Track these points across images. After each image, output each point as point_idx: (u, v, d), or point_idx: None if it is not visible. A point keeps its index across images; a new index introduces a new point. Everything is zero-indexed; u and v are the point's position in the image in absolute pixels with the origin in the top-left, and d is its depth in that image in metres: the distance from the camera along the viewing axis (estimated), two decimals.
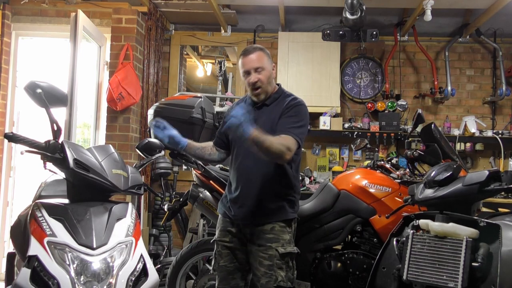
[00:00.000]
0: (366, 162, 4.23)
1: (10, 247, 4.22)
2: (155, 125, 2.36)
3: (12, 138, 2.00)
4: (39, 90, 2.00)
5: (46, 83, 2.04)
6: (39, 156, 2.04)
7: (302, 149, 5.02)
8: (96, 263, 1.83)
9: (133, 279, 1.88)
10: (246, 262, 2.51)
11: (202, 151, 2.57)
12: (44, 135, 2.17)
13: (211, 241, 2.65)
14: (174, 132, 2.38)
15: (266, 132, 2.29)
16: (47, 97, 2.01)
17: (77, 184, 2.08)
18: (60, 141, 2.05)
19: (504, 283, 2.05)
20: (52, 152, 2.01)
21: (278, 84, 2.58)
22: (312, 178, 4.73)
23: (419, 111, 3.23)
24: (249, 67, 2.43)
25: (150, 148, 2.64)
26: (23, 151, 2.04)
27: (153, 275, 1.97)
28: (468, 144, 4.90)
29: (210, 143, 2.66)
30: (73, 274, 1.77)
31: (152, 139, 2.73)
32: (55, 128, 2.05)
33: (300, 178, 4.15)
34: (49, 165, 2.06)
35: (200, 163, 3.13)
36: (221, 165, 3.22)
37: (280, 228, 2.43)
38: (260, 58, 2.43)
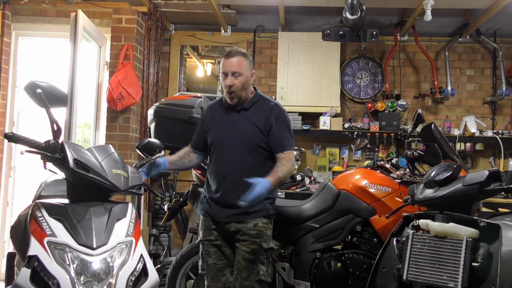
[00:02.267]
0: (366, 162, 4.23)
1: (10, 247, 4.22)
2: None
3: (12, 138, 1.99)
4: (39, 90, 2.00)
5: (46, 83, 2.03)
6: (39, 156, 2.04)
7: (302, 149, 5.07)
8: (96, 263, 1.83)
9: (133, 279, 1.88)
10: (233, 256, 2.57)
11: (182, 161, 2.68)
12: (44, 135, 2.17)
13: (197, 241, 2.69)
14: (149, 165, 2.50)
15: (251, 138, 2.49)
16: (47, 97, 2.01)
17: (77, 184, 2.08)
18: (60, 141, 2.05)
19: (504, 283, 2.05)
20: (52, 152, 2.01)
21: (254, 88, 2.63)
22: (312, 178, 4.73)
23: (419, 111, 3.23)
24: (227, 69, 2.49)
25: (150, 148, 2.65)
26: (23, 151, 2.04)
27: (153, 275, 1.97)
28: (468, 144, 4.90)
29: (186, 149, 2.72)
30: (73, 274, 1.77)
31: (152, 139, 2.74)
32: (55, 128, 2.05)
33: (300, 178, 4.15)
34: (49, 165, 2.06)
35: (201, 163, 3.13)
36: None
37: (263, 225, 2.53)
38: (240, 64, 2.49)
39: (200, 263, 2.65)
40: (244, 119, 2.56)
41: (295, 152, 4.73)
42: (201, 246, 2.63)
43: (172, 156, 2.69)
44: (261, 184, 2.28)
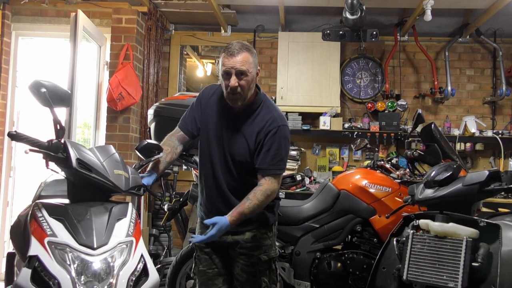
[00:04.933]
0: (366, 162, 4.24)
1: (10, 247, 4.22)
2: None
3: (15, 137, 1.99)
4: (43, 90, 1.99)
5: (50, 83, 2.03)
6: (41, 155, 2.04)
7: (302, 149, 5.07)
8: (96, 263, 1.82)
9: (134, 279, 1.88)
10: (227, 265, 2.42)
11: (171, 159, 2.39)
12: (44, 135, 2.17)
13: (190, 243, 2.56)
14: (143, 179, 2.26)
15: (238, 157, 2.25)
16: (51, 97, 2.01)
17: (78, 184, 2.08)
18: (62, 141, 2.05)
19: (504, 283, 2.05)
20: (55, 151, 2.00)
21: (258, 88, 2.31)
22: (312, 178, 4.73)
23: (419, 111, 3.24)
24: (230, 67, 2.16)
25: (149, 149, 2.63)
26: (27, 150, 2.04)
27: (153, 275, 1.97)
28: (468, 144, 4.90)
29: (172, 143, 2.41)
30: (73, 274, 1.77)
31: (151, 141, 2.72)
32: (58, 127, 2.05)
33: (300, 178, 4.16)
34: (52, 164, 2.06)
35: None
36: None
37: (261, 235, 2.36)
38: (245, 61, 2.16)
39: (193, 265, 2.53)
40: (237, 131, 2.28)
41: (294, 152, 4.79)
42: (195, 250, 2.51)
43: (160, 161, 2.35)
44: (218, 226, 2.14)
